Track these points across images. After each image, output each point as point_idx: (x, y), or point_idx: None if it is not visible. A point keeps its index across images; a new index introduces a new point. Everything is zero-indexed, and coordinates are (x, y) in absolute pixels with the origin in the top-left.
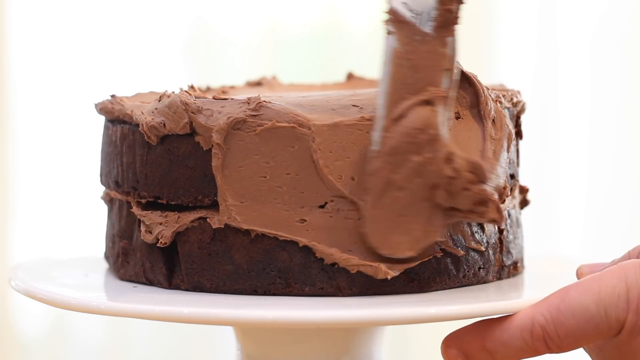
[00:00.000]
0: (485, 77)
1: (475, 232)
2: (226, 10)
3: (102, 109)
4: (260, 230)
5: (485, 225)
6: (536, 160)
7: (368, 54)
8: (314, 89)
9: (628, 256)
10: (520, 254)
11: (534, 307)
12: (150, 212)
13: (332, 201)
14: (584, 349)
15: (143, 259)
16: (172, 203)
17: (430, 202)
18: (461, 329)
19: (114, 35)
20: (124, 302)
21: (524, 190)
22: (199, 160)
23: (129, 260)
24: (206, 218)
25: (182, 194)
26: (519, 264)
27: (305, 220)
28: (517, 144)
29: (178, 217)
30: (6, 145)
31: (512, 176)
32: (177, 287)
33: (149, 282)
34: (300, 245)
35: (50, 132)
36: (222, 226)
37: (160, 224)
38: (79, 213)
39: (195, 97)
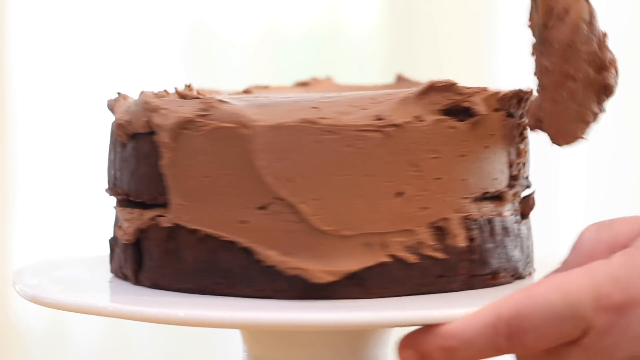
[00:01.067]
0: (485, 79)
1: (435, 239)
2: (225, 11)
3: (109, 106)
4: (205, 230)
5: (448, 234)
6: (534, 160)
7: (368, 54)
8: (359, 90)
9: (577, 250)
10: (509, 264)
11: (499, 302)
12: (123, 208)
13: (272, 203)
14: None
15: (120, 254)
16: (138, 200)
17: (594, 86)
18: (419, 328)
19: (113, 37)
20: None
21: (528, 200)
22: (156, 158)
23: (113, 255)
24: (161, 216)
25: (144, 191)
26: (501, 274)
27: (246, 222)
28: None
29: (141, 215)
30: (6, 146)
31: (514, 177)
32: (142, 284)
33: (125, 277)
34: (241, 246)
35: (49, 132)
36: (172, 225)
37: (127, 220)
38: (79, 214)
39: (170, 96)
